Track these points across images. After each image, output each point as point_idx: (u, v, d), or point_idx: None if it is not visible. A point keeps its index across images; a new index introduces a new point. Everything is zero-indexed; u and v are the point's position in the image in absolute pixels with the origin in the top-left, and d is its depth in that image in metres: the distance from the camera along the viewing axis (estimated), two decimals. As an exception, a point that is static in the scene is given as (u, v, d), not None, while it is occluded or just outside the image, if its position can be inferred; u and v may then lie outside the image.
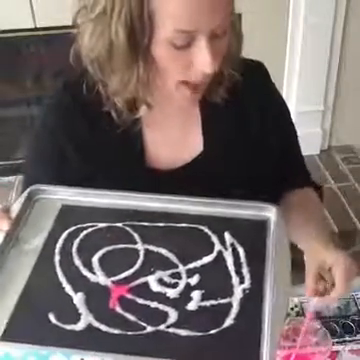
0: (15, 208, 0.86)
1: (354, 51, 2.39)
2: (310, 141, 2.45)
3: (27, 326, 0.73)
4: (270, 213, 0.85)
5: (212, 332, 0.71)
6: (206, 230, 0.83)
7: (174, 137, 0.98)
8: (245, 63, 0.95)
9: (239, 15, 0.87)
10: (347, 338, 0.95)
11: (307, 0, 2.20)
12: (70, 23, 0.84)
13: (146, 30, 0.77)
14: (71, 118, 0.95)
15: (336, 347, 0.92)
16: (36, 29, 2.08)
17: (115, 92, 0.88)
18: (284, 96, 1.10)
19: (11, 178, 2.42)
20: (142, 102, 0.89)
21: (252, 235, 0.83)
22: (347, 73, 2.44)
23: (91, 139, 0.95)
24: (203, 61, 0.80)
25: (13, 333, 0.72)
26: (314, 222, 0.98)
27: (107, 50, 0.81)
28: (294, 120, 1.09)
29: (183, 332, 0.71)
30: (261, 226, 0.84)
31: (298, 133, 1.09)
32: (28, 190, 0.88)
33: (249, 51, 0.95)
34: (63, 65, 0.86)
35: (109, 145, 0.96)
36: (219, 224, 0.84)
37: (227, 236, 0.82)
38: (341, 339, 0.95)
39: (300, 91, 2.42)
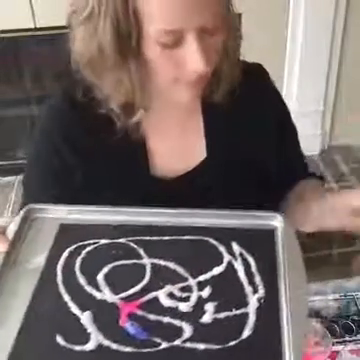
0: (11, 228, 0.82)
1: (354, 51, 2.40)
2: (310, 141, 2.45)
3: (33, 349, 0.69)
4: (276, 222, 0.82)
5: (231, 344, 0.68)
6: (212, 241, 0.80)
7: (177, 144, 0.97)
8: (244, 66, 0.93)
9: (239, 15, 0.86)
10: (347, 338, 0.95)
11: (307, 0, 2.21)
12: (70, 23, 0.85)
13: (132, 29, 0.76)
14: (71, 127, 0.93)
15: (336, 347, 0.92)
16: (36, 29, 2.08)
17: (108, 96, 0.86)
18: (284, 96, 1.10)
19: (11, 178, 2.42)
20: (139, 106, 0.87)
21: (260, 244, 0.80)
22: (347, 73, 2.44)
23: (93, 148, 0.93)
24: (194, 60, 0.77)
25: (19, 358, 0.67)
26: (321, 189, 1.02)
27: (97, 52, 0.80)
28: (294, 120, 1.08)
29: (201, 346, 0.68)
30: (268, 235, 0.81)
31: (298, 133, 1.08)
32: (24, 210, 0.84)
33: (249, 51, 0.94)
34: (63, 66, 0.86)
35: (112, 155, 0.94)
36: (225, 235, 0.81)
37: (235, 246, 0.79)
38: (341, 339, 0.95)
39: (300, 91, 2.42)
